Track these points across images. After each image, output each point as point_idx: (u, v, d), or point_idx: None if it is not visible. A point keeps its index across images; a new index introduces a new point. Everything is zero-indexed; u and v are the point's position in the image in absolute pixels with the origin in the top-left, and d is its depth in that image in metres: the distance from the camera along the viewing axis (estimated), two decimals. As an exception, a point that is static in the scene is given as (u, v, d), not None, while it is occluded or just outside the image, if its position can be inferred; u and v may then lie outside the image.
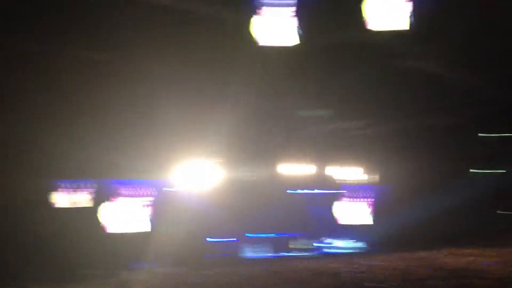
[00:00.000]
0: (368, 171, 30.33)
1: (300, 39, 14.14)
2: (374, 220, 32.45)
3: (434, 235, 27.90)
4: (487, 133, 30.64)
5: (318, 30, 14.22)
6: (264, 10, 14.52)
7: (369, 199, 33.75)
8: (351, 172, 31.08)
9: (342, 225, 33.31)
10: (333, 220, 33.67)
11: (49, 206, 25.25)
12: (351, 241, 32.40)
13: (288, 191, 33.24)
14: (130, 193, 25.85)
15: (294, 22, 14.06)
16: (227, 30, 16.23)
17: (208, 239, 30.60)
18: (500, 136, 29.83)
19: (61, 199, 25.74)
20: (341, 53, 16.80)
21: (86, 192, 25.51)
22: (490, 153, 30.10)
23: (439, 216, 30.08)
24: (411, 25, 14.00)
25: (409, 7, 13.63)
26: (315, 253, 30.95)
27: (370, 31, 14.20)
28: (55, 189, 25.78)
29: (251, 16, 14.65)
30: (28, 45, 15.62)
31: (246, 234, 32.02)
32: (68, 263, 21.58)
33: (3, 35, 15.45)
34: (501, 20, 17.51)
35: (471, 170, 32.96)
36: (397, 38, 15.16)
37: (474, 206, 31.25)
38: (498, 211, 31.85)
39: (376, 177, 31.07)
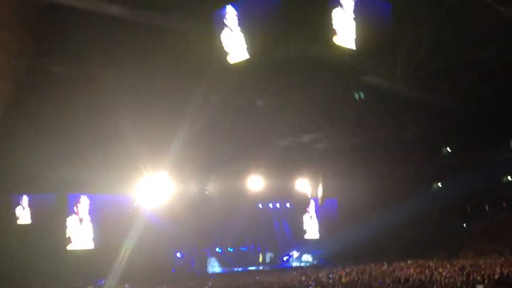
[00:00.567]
0: (328, 184, 30.60)
1: (258, 53, 14.25)
2: (334, 234, 32.78)
3: (396, 247, 28.21)
4: (450, 146, 31.27)
5: (278, 44, 14.36)
6: (226, 23, 14.62)
7: (330, 213, 34.19)
8: (312, 186, 31.39)
9: (305, 238, 33.63)
10: (297, 233, 33.96)
11: (9, 221, 24.90)
12: (313, 254, 32.69)
13: (255, 204, 33.47)
14: (94, 208, 25.67)
15: (251, 36, 14.15)
16: (189, 43, 16.31)
17: (176, 254, 30.49)
18: (463, 148, 30.42)
19: (22, 214, 25.48)
20: (299, 68, 16.98)
21: (47, 207, 25.25)
22: (454, 166, 30.64)
23: (402, 228, 30.52)
24: (363, 42, 14.25)
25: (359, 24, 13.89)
26: (281, 266, 31.10)
27: (328, 46, 14.40)
28: (15, 204, 25.56)
29: (213, 30, 14.77)
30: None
31: (215, 249, 32.04)
32: (29, 280, 21.28)
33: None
34: (457, 34, 18.08)
35: (435, 183, 33.60)
36: (353, 55, 15.43)
37: (437, 218, 31.91)
38: (463, 224, 32.37)
39: (336, 191, 31.42)
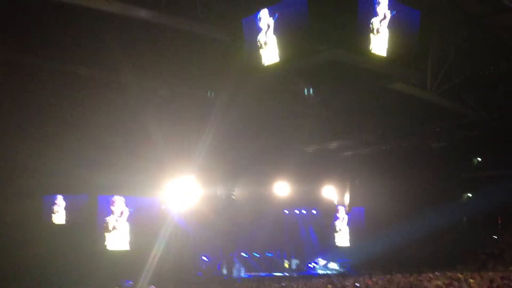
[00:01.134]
0: (355, 192, 30.38)
1: (289, 57, 14.34)
2: (361, 242, 32.51)
3: (424, 258, 27.78)
4: (480, 156, 30.67)
5: (308, 49, 14.40)
6: (258, 27, 14.73)
7: (357, 221, 33.94)
8: (339, 193, 31.24)
9: (331, 246, 33.46)
10: (323, 240, 33.84)
11: (42, 223, 25.52)
12: (340, 262, 32.50)
13: (281, 210, 33.52)
14: (123, 210, 26.09)
15: (283, 40, 14.27)
16: (215, 50, 16.54)
17: (202, 257, 30.74)
18: (494, 158, 29.84)
19: (55, 216, 26.12)
20: (329, 74, 17.01)
21: (79, 208, 25.80)
22: (484, 176, 30.08)
23: (430, 238, 30.08)
24: (394, 49, 14.22)
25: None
26: (307, 273, 31.00)
27: (361, 53, 14.41)
28: (50, 205, 26.19)
29: (239, 36, 14.91)
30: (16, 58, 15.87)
31: (241, 253, 32.16)
32: (61, 281, 21.71)
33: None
34: (487, 43, 17.89)
35: (464, 193, 32.99)
36: (384, 62, 15.36)
37: (467, 229, 31.39)
38: (493, 235, 31.69)
39: (363, 199, 31.17)
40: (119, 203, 25.83)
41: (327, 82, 16.93)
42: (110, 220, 25.51)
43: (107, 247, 25.25)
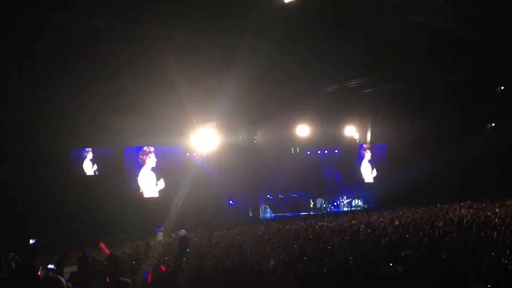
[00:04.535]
0: (377, 130, 30.23)
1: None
2: (385, 178, 32.77)
3: (448, 191, 27.93)
4: (503, 86, 30.05)
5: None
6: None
7: (380, 158, 34.11)
8: (361, 132, 31.21)
9: (355, 183, 33.82)
10: (346, 178, 34.18)
11: (74, 173, 26.27)
12: (364, 198, 33.00)
13: (304, 152, 33.76)
14: (151, 159, 26.70)
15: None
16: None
17: (229, 201, 31.42)
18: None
19: (85, 166, 26.85)
20: (346, 10, 16.68)
21: (106, 160, 26.46)
22: (507, 107, 29.59)
23: (453, 172, 30.11)
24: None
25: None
26: (332, 211, 31.68)
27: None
28: (79, 157, 26.89)
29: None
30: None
31: (266, 196, 32.75)
32: (93, 229, 22.47)
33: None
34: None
35: (487, 125, 32.63)
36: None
37: (490, 161, 31.27)
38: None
39: (386, 136, 31.08)
40: (145, 153, 26.49)
41: (343, 20, 16.67)
42: (138, 170, 26.32)
43: (137, 196, 26.11)
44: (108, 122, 21.61)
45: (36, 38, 16.30)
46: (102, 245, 11.74)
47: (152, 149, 26.46)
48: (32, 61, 17.77)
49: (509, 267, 8.76)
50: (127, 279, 5.51)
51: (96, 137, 24.21)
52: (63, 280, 5.27)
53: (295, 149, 31.85)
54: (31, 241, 7.38)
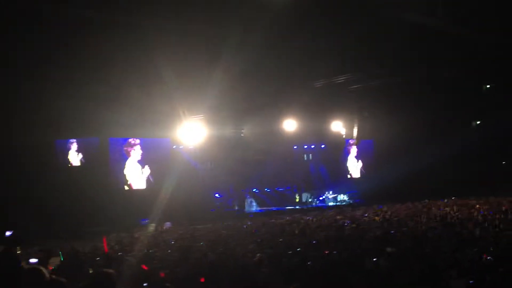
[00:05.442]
0: (364, 125, 30.40)
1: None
2: (371, 174, 32.99)
3: (434, 187, 28.17)
4: (490, 84, 30.37)
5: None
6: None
7: (366, 154, 34.30)
8: (347, 127, 31.33)
9: (341, 178, 33.99)
10: (332, 174, 34.33)
11: (59, 164, 26.04)
12: (349, 194, 33.16)
13: (290, 146, 33.79)
14: (135, 151, 26.57)
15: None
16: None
17: (215, 194, 31.41)
18: (504, 86, 29.55)
19: (70, 157, 26.63)
20: (335, 6, 16.69)
21: (92, 151, 26.26)
22: (493, 104, 29.93)
23: (440, 168, 30.35)
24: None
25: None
26: (317, 205, 31.74)
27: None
28: (64, 147, 26.62)
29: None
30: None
31: (252, 189, 32.78)
32: (78, 221, 22.34)
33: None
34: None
35: (473, 121, 32.98)
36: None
37: (476, 156, 31.54)
38: (502, 162, 31.97)
39: (372, 132, 31.24)
40: (131, 145, 26.36)
41: (332, 16, 16.70)
42: (123, 161, 26.16)
43: (122, 187, 25.98)
44: (94, 113, 21.48)
45: (20, 29, 16.09)
46: (105, 242, 11.74)
47: (137, 141, 26.35)
48: (16, 51, 17.57)
49: (490, 263, 8.86)
50: (111, 270, 5.47)
51: (81, 128, 24.00)
52: (45, 271, 5.23)
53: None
54: (7, 233, 7.33)
